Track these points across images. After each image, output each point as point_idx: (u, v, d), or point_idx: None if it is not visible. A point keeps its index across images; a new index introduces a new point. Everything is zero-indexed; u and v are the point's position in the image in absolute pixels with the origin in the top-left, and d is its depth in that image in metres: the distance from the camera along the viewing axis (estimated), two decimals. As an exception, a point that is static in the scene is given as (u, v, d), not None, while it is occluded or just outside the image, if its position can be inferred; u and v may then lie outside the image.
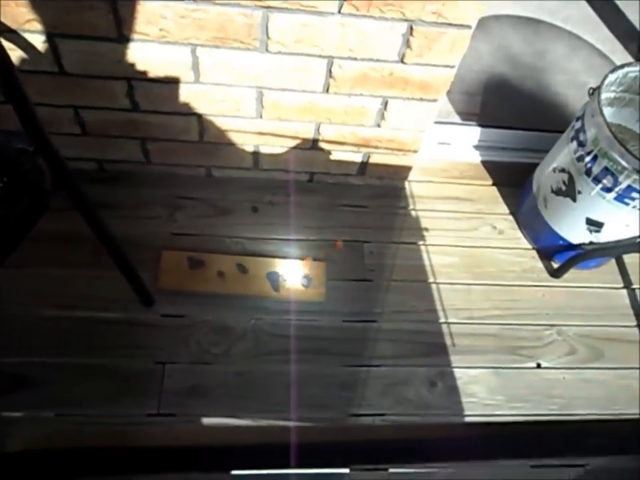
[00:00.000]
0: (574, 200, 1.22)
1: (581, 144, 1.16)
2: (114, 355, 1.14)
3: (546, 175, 1.31)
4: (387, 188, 1.45)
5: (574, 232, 1.28)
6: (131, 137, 1.26)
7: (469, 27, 1.01)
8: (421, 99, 1.17)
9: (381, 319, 1.25)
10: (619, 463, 0.50)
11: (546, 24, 1.88)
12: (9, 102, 0.72)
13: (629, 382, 1.25)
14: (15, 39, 1.01)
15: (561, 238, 1.32)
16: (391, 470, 1.09)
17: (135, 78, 1.09)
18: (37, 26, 0.98)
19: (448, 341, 1.25)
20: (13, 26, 0.98)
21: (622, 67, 1.20)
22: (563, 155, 1.24)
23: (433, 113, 1.22)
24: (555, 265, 1.38)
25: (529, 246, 1.42)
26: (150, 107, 1.17)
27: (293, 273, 1.25)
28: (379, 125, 1.24)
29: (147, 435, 0.39)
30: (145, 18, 0.97)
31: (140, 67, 1.07)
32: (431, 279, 1.33)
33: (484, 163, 1.54)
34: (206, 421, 1.10)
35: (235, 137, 1.27)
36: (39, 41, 1.01)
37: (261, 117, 1.20)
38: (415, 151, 1.33)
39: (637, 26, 1.94)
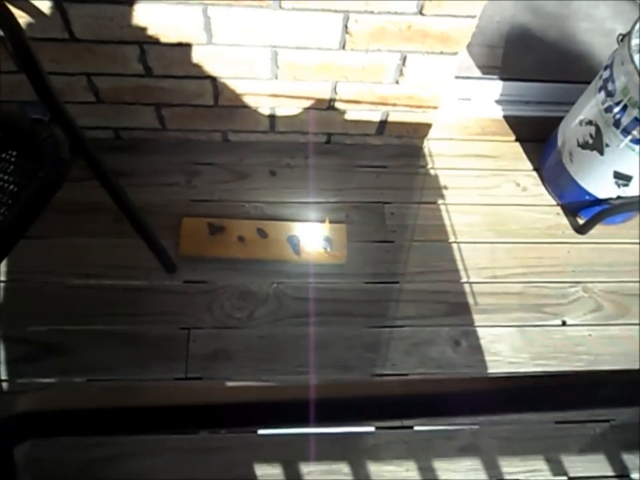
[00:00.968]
0: (601, 153, 1.18)
1: (610, 94, 1.12)
2: (139, 321, 1.15)
3: (572, 128, 1.27)
4: (407, 147, 1.42)
5: (601, 186, 1.24)
6: (146, 103, 1.24)
7: (490, -27, 0.96)
8: (441, 53, 1.13)
9: (403, 279, 1.25)
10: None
11: (570, -32, 1.79)
12: (22, 69, 0.71)
13: (656, 337, 1.23)
14: (23, 5, 0.99)
15: (587, 193, 1.28)
16: (416, 428, 1.11)
17: (147, 42, 1.07)
18: (45, -9, 0.96)
19: (471, 300, 1.24)
20: (21, -8, 0.96)
21: (653, 10, 1.14)
22: (589, 106, 1.19)
23: (453, 67, 1.18)
24: (581, 221, 1.35)
25: (554, 202, 1.39)
26: (163, 72, 1.15)
27: (314, 236, 1.24)
28: (397, 82, 1.20)
29: (159, 393, 0.39)
30: (154, -22, 0.95)
31: (151, 30, 1.05)
32: (453, 239, 1.31)
33: (506, 118, 1.50)
34: (232, 383, 1.11)
35: (250, 100, 1.24)
36: (47, 7, 0.99)
37: (276, 77, 1.17)
38: (435, 108, 1.30)
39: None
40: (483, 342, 1.20)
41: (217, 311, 1.18)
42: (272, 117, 1.30)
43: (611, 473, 1.10)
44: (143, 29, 1.05)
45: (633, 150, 1.11)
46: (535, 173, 1.43)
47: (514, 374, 0.51)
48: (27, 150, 0.76)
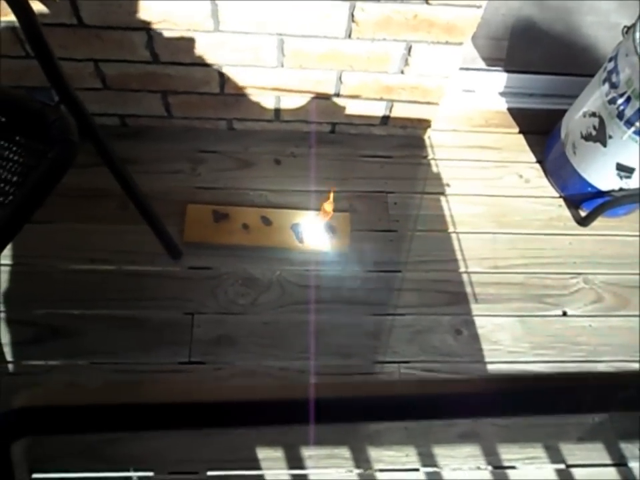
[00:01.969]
0: (604, 145, 1.19)
1: (614, 85, 1.12)
2: (144, 306, 1.17)
3: (575, 120, 1.28)
4: (411, 138, 1.43)
5: (603, 178, 1.25)
6: (152, 90, 1.25)
7: (497, -38, 0.97)
8: (447, 43, 1.13)
9: (406, 268, 1.26)
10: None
11: (576, -38, 1.79)
12: (33, 53, 0.72)
13: (656, 329, 1.24)
14: (32, -10, 1.00)
15: (590, 185, 1.29)
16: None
17: (154, 28, 1.08)
18: (54, -24, 0.97)
19: (472, 290, 1.25)
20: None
21: (659, 2, 1.14)
22: (593, 98, 1.20)
23: (458, 57, 1.18)
24: (583, 213, 1.36)
25: (556, 194, 1.39)
26: (170, 59, 1.16)
27: (317, 224, 1.25)
28: (402, 72, 1.21)
29: (157, 389, 0.39)
30: (162, -36, 0.95)
31: (159, 16, 1.06)
32: (456, 229, 1.32)
33: (510, 110, 1.50)
34: (234, 369, 1.13)
35: (255, 88, 1.25)
36: (56, -9, 1.00)
37: (282, 65, 1.18)
38: (439, 98, 1.30)
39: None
40: (483, 331, 1.21)
41: (220, 297, 1.19)
42: (277, 106, 1.31)
43: (608, 461, 1.11)
44: (151, 16, 1.05)
45: (636, 142, 1.12)
46: (537, 165, 1.43)
47: (528, 374, 0.49)
48: (36, 132, 0.77)
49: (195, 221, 1.24)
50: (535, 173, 1.42)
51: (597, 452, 1.12)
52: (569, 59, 1.59)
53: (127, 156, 1.29)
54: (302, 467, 1.06)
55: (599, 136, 1.20)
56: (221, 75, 1.21)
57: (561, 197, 1.39)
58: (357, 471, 1.06)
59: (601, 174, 1.25)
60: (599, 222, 1.34)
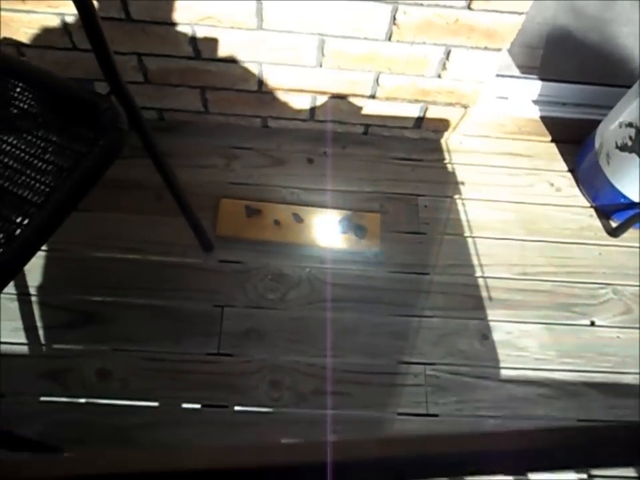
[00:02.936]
0: (640, 156, 1.19)
1: (652, 97, 1.12)
2: (175, 297, 1.19)
3: (610, 130, 1.27)
4: (443, 142, 1.44)
5: (637, 189, 1.24)
6: (191, 85, 1.27)
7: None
8: (485, 48, 1.14)
9: (434, 271, 1.26)
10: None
11: (614, -27, 1.78)
12: (90, 42, 0.74)
13: (685, 343, 1.23)
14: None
15: (623, 195, 1.28)
16: (441, 417, 1.11)
17: (199, 24, 1.10)
18: (107, -30, 1.00)
19: (500, 296, 1.25)
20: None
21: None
22: (630, 109, 1.20)
23: (495, 63, 1.19)
24: (614, 224, 1.35)
25: (587, 204, 1.39)
26: (211, 55, 1.18)
27: (348, 224, 1.26)
28: (439, 76, 1.22)
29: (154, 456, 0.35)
30: (212, -39, 0.97)
31: (204, 13, 1.08)
32: (485, 234, 1.32)
33: (543, 118, 1.50)
34: (262, 363, 1.14)
35: (292, 87, 1.27)
36: (107, -14, 1.03)
37: (321, 65, 1.20)
38: (474, 104, 1.31)
39: None
40: (510, 337, 1.21)
41: (250, 291, 1.20)
42: (312, 105, 1.33)
43: (633, 474, 1.11)
44: (196, 12, 1.08)
45: (673, 153, 1.12)
46: (569, 174, 1.43)
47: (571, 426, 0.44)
48: (88, 120, 0.79)
49: (228, 216, 1.26)
50: (566, 182, 1.42)
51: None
52: (603, 69, 1.59)
53: (163, 149, 1.30)
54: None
55: (635, 147, 1.19)
56: (260, 73, 1.23)
57: (591, 206, 1.38)
58: None
59: (634, 185, 1.24)
60: (629, 233, 1.33)
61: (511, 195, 1.39)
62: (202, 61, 1.20)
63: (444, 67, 1.19)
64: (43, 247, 1.20)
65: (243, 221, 1.26)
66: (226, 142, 1.38)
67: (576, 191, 1.41)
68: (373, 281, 1.24)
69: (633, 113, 1.19)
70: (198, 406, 1.09)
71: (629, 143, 1.20)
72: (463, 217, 1.34)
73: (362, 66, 1.19)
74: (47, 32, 1.14)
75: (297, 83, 1.25)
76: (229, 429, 1.07)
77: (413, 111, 1.33)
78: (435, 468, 0.35)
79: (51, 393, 1.08)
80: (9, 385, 1.08)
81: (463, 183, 1.39)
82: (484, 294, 1.25)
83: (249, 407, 1.09)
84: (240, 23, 1.10)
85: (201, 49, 1.16)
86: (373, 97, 1.29)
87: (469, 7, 1.05)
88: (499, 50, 1.15)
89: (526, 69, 1.55)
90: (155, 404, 1.09)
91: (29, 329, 1.14)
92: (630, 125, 1.20)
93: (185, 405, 1.09)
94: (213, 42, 1.15)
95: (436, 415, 1.12)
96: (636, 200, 1.27)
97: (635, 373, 1.19)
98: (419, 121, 1.36)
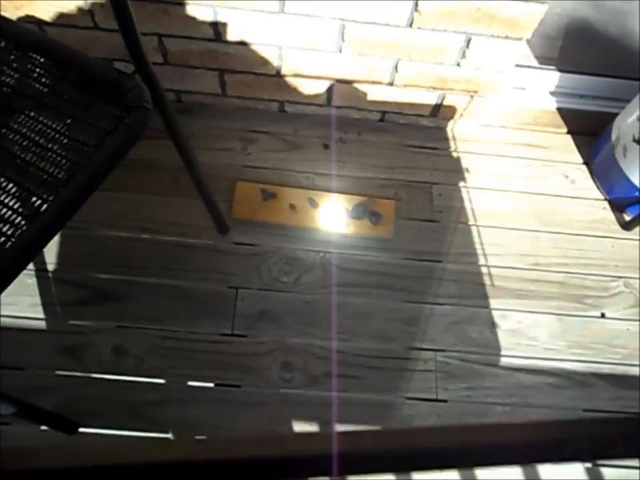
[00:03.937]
0: (657, 149, 1.19)
1: (673, 90, 1.12)
2: (190, 277, 1.20)
3: (628, 124, 1.27)
4: (458, 131, 1.44)
5: (653, 183, 1.25)
6: (210, 68, 1.28)
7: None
8: (506, 37, 1.14)
9: (447, 259, 1.27)
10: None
11: (636, -36, 1.76)
12: (117, 20, 0.75)
13: (695, 337, 1.24)
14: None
15: (637, 189, 1.28)
16: (450, 403, 1.12)
17: (221, 6, 1.10)
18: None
19: (512, 285, 1.26)
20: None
21: None
22: (649, 102, 1.19)
23: (516, 53, 1.19)
24: (627, 217, 1.36)
25: (601, 197, 1.39)
26: (232, 38, 1.18)
27: (362, 210, 1.27)
28: (458, 64, 1.22)
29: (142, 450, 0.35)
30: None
31: (226, -6, 1.08)
32: (499, 224, 1.33)
33: (559, 110, 1.50)
34: (275, 344, 1.15)
35: (311, 72, 1.27)
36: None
37: (340, 51, 1.20)
38: (492, 93, 1.31)
39: None
40: (520, 326, 1.22)
41: (264, 274, 1.22)
42: (329, 91, 1.33)
43: (637, 464, 1.12)
44: (219, -6, 1.08)
45: (691, 148, 1.11)
46: (584, 167, 1.43)
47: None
48: (114, 98, 0.80)
49: (244, 198, 1.27)
50: (581, 174, 1.42)
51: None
52: (622, 62, 1.57)
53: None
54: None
55: (652, 140, 1.19)
56: (279, 57, 1.23)
57: (606, 199, 1.39)
58: None
59: (650, 179, 1.25)
60: (643, 227, 1.34)
61: (525, 186, 1.39)
62: (222, 44, 1.20)
63: (464, 55, 1.19)
64: (61, 225, 1.22)
65: (259, 204, 1.27)
66: (243, 125, 1.39)
67: (590, 183, 1.41)
68: (387, 267, 1.25)
69: (652, 106, 1.18)
70: (211, 385, 1.11)
71: (647, 137, 1.20)
72: (476, 206, 1.35)
73: (381, 52, 1.19)
74: (68, 10, 1.14)
75: (316, 68, 1.26)
76: (240, 408, 1.09)
77: (431, 99, 1.33)
78: (446, 459, 0.36)
79: (67, 367, 1.10)
80: (28, 358, 1.10)
81: (477, 172, 1.39)
82: (496, 283, 1.26)
83: (260, 388, 1.11)
84: (262, 6, 1.10)
85: (222, 31, 1.17)
86: (391, 84, 1.29)
87: (491, -5, 1.05)
88: (520, 39, 1.15)
89: (544, 60, 1.54)
90: (169, 382, 1.11)
91: (47, 304, 1.15)
92: (648, 118, 1.19)
93: (197, 384, 1.11)
94: (233, 24, 1.15)
95: (445, 401, 1.13)
96: (651, 194, 1.27)
97: (644, 366, 1.20)
98: (436, 109, 1.37)
